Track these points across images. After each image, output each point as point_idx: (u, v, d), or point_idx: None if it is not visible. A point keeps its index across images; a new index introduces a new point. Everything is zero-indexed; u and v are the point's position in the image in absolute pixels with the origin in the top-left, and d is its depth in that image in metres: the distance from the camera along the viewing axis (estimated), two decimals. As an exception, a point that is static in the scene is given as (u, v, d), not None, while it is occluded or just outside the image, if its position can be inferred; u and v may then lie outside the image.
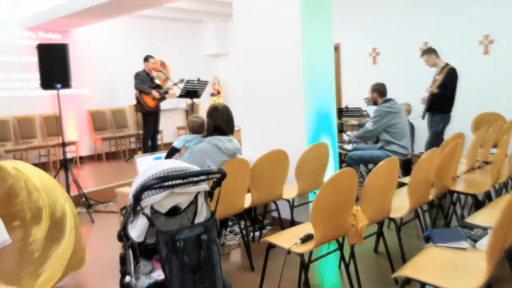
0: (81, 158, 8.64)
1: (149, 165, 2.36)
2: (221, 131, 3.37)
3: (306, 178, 3.75)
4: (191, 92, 7.17)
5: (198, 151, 3.25)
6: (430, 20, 7.03)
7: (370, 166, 5.55)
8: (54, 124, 7.91)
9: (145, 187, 2.15)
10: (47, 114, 8.19)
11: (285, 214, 4.05)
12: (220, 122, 3.35)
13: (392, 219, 3.19)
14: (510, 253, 2.48)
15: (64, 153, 5.44)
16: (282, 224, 3.96)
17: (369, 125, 4.87)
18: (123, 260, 2.36)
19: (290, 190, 3.86)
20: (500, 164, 3.75)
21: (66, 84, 5.28)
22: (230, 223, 4.28)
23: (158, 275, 2.30)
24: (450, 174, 3.58)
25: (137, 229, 2.27)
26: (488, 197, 3.88)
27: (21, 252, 2.75)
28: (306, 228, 2.81)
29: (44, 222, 2.88)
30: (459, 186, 3.77)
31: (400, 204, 3.21)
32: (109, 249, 4.12)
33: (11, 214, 2.74)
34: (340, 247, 2.89)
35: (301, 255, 2.60)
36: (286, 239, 2.74)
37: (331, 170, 4.31)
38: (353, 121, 5.79)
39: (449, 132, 5.08)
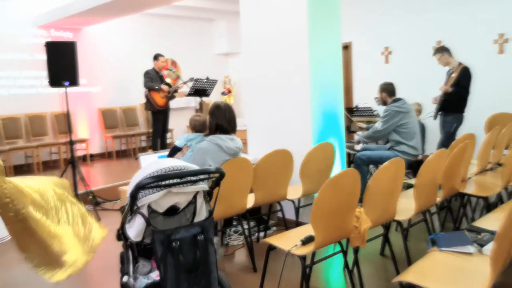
0: (91, 155, 8.68)
1: (147, 164, 2.32)
2: (223, 130, 3.32)
3: (311, 179, 3.68)
4: (200, 90, 7.14)
5: (199, 150, 3.20)
6: (443, 18, 6.88)
7: (380, 167, 5.44)
8: (65, 121, 7.94)
9: (140, 186, 2.12)
10: (58, 111, 8.23)
11: (291, 214, 3.99)
12: (222, 121, 3.30)
13: (398, 222, 3.10)
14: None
15: (72, 151, 5.46)
16: (287, 225, 3.89)
17: (378, 125, 4.77)
18: (123, 259, 2.33)
19: (295, 191, 3.79)
20: (512, 166, 3.63)
21: (74, 81, 5.29)
22: (234, 223, 4.22)
23: (157, 275, 2.26)
24: (459, 176, 3.47)
25: (135, 229, 2.24)
26: (500, 200, 3.76)
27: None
28: (308, 229, 2.75)
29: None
30: (469, 188, 3.67)
31: (407, 206, 3.12)
32: (113, 247, 4.10)
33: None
34: (343, 249, 2.82)
35: (302, 257, 2.53)
36: (287, 241, 2.68)
37: (337, 170, 4.22)
38: (362, 124, 5.68)
39: (462, 133, 4.95)
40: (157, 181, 2.11)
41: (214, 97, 10.09)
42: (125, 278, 2.29)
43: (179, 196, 2.20)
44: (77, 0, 7.12)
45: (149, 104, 7.27)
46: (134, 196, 2.15)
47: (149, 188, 2.11)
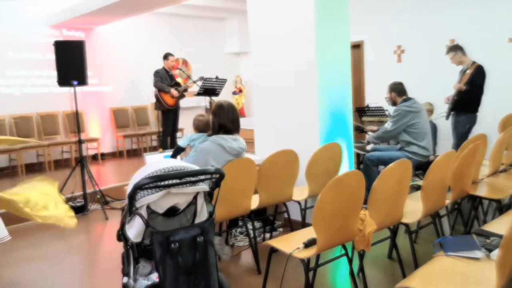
0: (102, 154, 8.72)
1: (147, 164, 2.30)
2: (226, 130, 3.26)
3: (318, 179, 3.61)
4: (209, 90, 7.11)
5: (202, 150, 3.16)
6: (457, 16, 6.73)
7: (385, 168, 5.33)
8: (79, 121, 7.98)
9: (138, 187, 2.10)
10: (69, 111, 8.26)
11: (297, 216, 3.93)
12: (225, 121, 3.25)
13: (405, 225, 3.02)
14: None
15: (80, 150, 5.47)
16: (292, 226, 3.83)
17: (388, 125, 4.67)
18: (124, 260, 2.32)
19: (301, 192, 3.73)
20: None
21: (82, 81, 5.30)
22: (240, 223, 4.18)
23: (157, 276, 2.23)
24: (469, 177, 3.37)
25: (134, 229, 2.21)
26: (514, 203, 3.65)
27: None
28: (312, 231, 2.68)
29: None
30: (481, 191, 3.56)
31: (414, 209, 3.03)
32: (119, 246, 4.10)
33: None
34: (347, 253, 2.75)
35: (303, 261, 2.47)
36: (290, 243, 2.62)
37: (345, 171, 4.15)
38: (374, 127, 5.58)
39: (475, 133, 4.84)
40: (155, 181, 2.08)
41: (225, 97, 10.07)
42: (124, 279, 2.28)
43: (179, 197, 2.18)
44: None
45: (159, 103, 7.27)
46: (132, 196, 2.13)
47: (147, 189, 2.08)
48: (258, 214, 3.97)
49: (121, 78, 9.09)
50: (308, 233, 2.72)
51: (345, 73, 4.30)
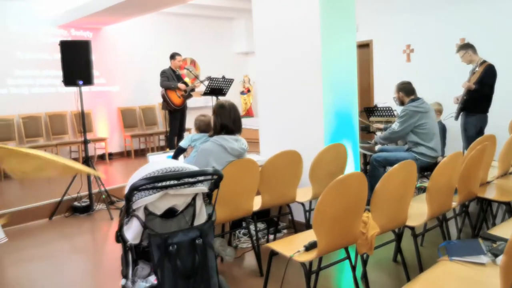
0: (110, 154, 8.73)
1: (145, 165, 2.26)
2: (228, 130, 3.21)
3: (322, 181, 3.54)
4: (216, 90, 7.07)
5: (203, 150, 3.11)
6: (467, 15, 6.61)
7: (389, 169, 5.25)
8: (84, 121, 8.00)
9: (134, 188, 2.06)
10: (77, 110, 8.29)
11: (301, 217, 3.87)
12: (227, 121, 3.20)
13: (410, 228, 2.94)
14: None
15: (86, 149, 5.47)
16: (296, 228, 3.77)
17: (395, 125, 4.59)
18: (123, 261, 2.29)
19: (304, 193, 3.67)
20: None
21: (88, 80, 5.30)
22: (244, 224, 4.13)
23: (155, 279, 2.20)
24: (477, 179, 3.29)
25: (132, 231, 2.18)
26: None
27: None
28: (313, 234, 2.63)
29: None
30: (490, 193, 3.47)
31: (421, 211, 2.96)
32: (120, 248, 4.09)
33: None
34: (349, 256, 2.68)
35: (304, 264, 2.42)
36: (291, 246, 2.56)
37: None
38: (380, 125, 5.49)
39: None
40: (152, 182, 2.05)
41: (233, 97, 10.03)
42: (123, 281, 2.25)
43: (177, 198, 2.14)
44: (94, -1, 7.17)
45: (166, 103, 7.25)
46: (128, 198, 2.10)
47: (144, 190, 2.05)
48: (262, 215, 3.92)
49: (129, 78, 9.10)
50: (310, 235, 2.66)
51: (351, 73, 4.23)
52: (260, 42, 4.57)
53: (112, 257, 4.03)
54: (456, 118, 5.34)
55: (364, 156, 5.38)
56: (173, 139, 7.48)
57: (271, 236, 4.04)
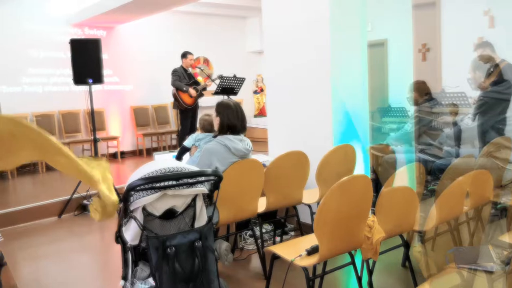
0: (122, 153, 8.76)
1: (144, 165, 2.22)
2: (235, 130, 3.14)
3: (329, 182, 3.42)
4: (227, 89, 7.02)
5: (206, 151, 3.05)
6: (485, 13, 6.43)
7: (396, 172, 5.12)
8: (97, 119, 8.04)
9: (131, 188, 2.03)
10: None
11: (308, 219, 3.80)
12: (235, 121, 3.12)
13: (419, 232, 2.84)
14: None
15: (95, 148, 5.49)
16: (303, 230, 3.70)
17: (407, 126, 4.48)
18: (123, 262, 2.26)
19: (311, 195, 3.59)
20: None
21: (98, 79, 5.30)
22: (250, 226, 4.07)
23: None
24: (490, 183, 3.16)
25: (131, 232, 2.15)
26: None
27: None
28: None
29: None
30: (505, 197, 3.34)
31: (431, 215, 2.85)
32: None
33: None
34: (353, 261, 2.60)
35: (305, 269, 2.34)
36: (293, 249, 2.49)
37: (360, 174, 3.99)
38: (393, 125, 5.38)
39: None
40: (148, 183, 2.00)
41: (246, 96, 9.99)
42: (121, 283, 2.22)
43: (176, 199, 2.09)
44: (108, -3, 7.19)
45: (177, 102, 7.23)
46: (125, 198, 2.06)
47: (141, 190, 2.00)
48: (269, 217, 3.86)
49: (142, 77, 9.11)
50: (315, 239, 2.59)
51: (362, 72, 4.14)
52: (269, 43, 4.54)
53: (120, 256, 4.01)
54: (473, 119, 5.19)
55: (376, 158, 5.26)
56: (184, 139, 7.44)
57: (278, 238, 3.97)
